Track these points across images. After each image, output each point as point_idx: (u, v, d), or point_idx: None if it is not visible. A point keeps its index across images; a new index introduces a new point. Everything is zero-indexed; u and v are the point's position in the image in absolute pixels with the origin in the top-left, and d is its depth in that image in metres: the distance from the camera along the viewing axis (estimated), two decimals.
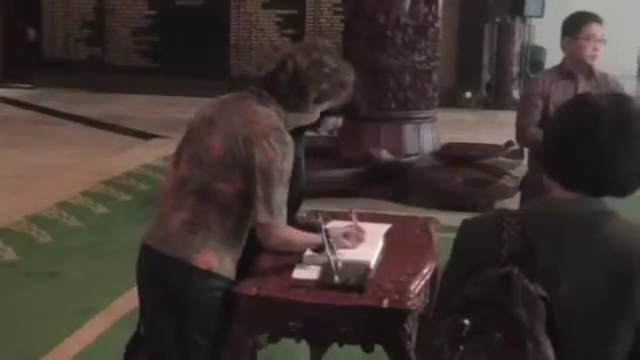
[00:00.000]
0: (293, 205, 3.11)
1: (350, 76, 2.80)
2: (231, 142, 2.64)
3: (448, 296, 1.82)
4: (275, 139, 2.62)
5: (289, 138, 2.66)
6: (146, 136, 10.38)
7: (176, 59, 13.57)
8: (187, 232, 2.68)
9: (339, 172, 7.42)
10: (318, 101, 2.75)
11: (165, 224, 2.72)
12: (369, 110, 3.68)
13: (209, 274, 2.67)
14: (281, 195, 2.64)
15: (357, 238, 2.98)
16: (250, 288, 2.68)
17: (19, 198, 7.33)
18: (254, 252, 2.86)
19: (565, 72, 4.39)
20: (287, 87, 2.71)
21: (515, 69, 13.48)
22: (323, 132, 3.26)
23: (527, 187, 4.63)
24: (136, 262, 2.82)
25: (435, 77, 7.85)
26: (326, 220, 2.97)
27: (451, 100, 12.56)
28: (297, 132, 2.95)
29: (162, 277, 2.71)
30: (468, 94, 13.30)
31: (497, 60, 13.43)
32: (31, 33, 14.80)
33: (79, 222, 6.69)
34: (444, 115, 9.01)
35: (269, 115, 2.68)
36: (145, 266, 2.79)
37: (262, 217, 2.64)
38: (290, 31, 13.46)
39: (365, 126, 7.62)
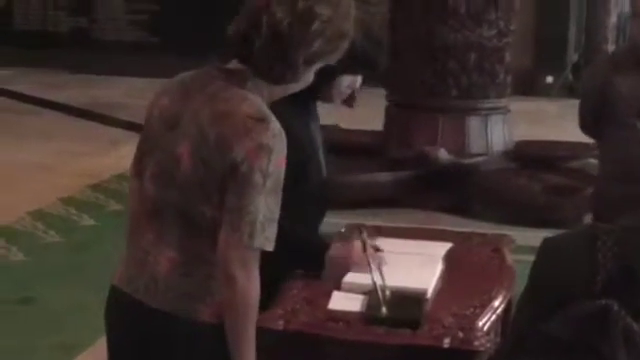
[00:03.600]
0: (314, 215, 3.12)
1: (350, 20, 2.55)
2: (201, 149, 2.46)
3: (523, 337, 1.82)
4: (259, 132, 2.41)
5: (278, 127, 2.45)
6: (142, 129, 10.45)
7: (180, 33, 13.64)
8: (181, 276, 2.53)
9: (385, 176, 7.38)
10: (310, 63, 2.52)
11: (148, 267, 2.57)
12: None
13: (220, 327, 2.49)
14: (265, 208, 2.41)
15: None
16: (276, 321, 2.70)
17: None
18: (279, 275, 2.88)
19: None
20: (265, 54, 2.46)
21: (610, 47, 13.40)
22: (337, 101, 3.08)
23: (601, 198, 4.50)
24: (104, 314, 2.71)
25: (508, 57, 7.84)
26: (371, 237, 2.98)
27: (528, 86, 12.50)
28: (299, 101, 2.85)
29: (152, 339, 2.58)
30: (550, 79, 13.23)
31: (587, 35, 13.35)
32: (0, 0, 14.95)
33: (59, 237, 6.75)
34: (519, 105, 8.99)
35: (245, 99, 2.47)
36: (121, 322, 2.66)
37: (226, 235, 2.42)
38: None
39: (418, 118, 7.64)
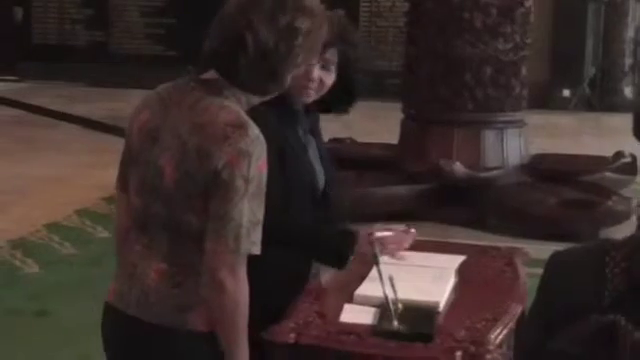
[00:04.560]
0: (311, 218, 3.10)
1: (325, 27, 2.62)
2: (184, 160, 2.48)
3: (530, 352, 1.82)
4: (237, 139, 2.44)
5: (257, 132, 2.47)
6: None
7: (197, 46, 13.67)
8: (170, 287, 2.55)
9: (401, 189, 7.42)
10: (291, 71, 2.57)
11: (137, 280, 2.59)
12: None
13: (212, 336, 2.53)
14: (249, 213, 2.44)
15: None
16: (287, 335, 2.68)
17: (0, 218, 7.44)
18: (288, 286, 2.88)
19: None
20: (253, 72, 2.51)
21: (627, 60, 13.38)
22: (312, 91, 2.97)
23: None
24: (101, 331, 2.73)
25: (524, 70, 7.83)
26: (382, 249, 2.98)
27: (544, 100, 12.49)
28: (284, 108, 2.89)
29: (146, 353, 2.59)
30: (566, 92, 13.22)
31: (604, 49, 13.33)
32: (18, 13, 15.03)
33: (74, 249, 6.78)
34: (535, 118, 8.98)
35: (223, 107, 2.50)
36: (117, 339, 2.67)
37: (212, 242, 2.44)
38: (341, 12, 13.48)
39: (434, 131, 7.63)
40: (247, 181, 2.44)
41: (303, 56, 2.55)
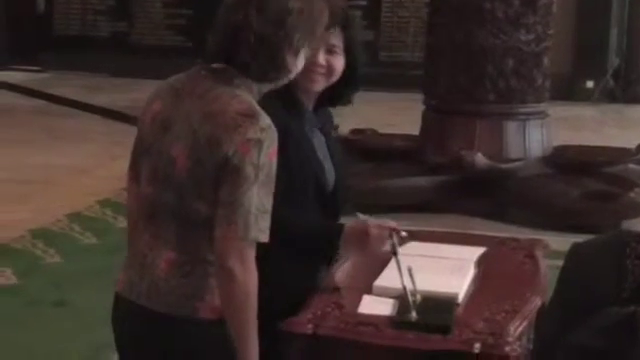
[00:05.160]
0: (316, 214, 3.08)
1: (323, 7, 2.67)
2: (195, 149, 2.51)
3: (550, 344, 1.81)
4: (247, 127, 2.47)
5: (268, 121, 2.51)
6: None
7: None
8: (180, 277, 2.56)
9: (421, 181, 7.41)
10: (295, 53, 2.60)
11: (147, 270, 2.61)
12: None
13: (221, 323, 2.54)
14: (258, 200, 2.46)
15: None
16: (304, 325, 2.69)
17: (21, 208, 7.48)
18: (304, 278, 2.88)
19: None
20: (256, 63, 2.56)
21: None
22: (319, 77, 2.94)
23: None
24: (111, 321, 2.73)
25: (546, 61, 7.80)
26: (402, 241, 2.97)
27: (567, 91, 12.44)
28: (292, 105, 2.89)
29: (156, 342, 2.60)
30: (590, 84, 13.16)
31: (628, 40, 13.26)
32: (40, 5, 15.09)
33: (95, 239, 6.80)
34: (558, 110, 8.94)
35: (234, 96, 2.54)
36: (127, 328, 2.68)
37: (221, 229, 2.46)
38: (361, 1, 13.47)
39: (455, 123, 7.61)
40: (257, 168, 2.45)
41: (300, 37, 2.57)
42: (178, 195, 2.55)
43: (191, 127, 2.53)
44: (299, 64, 2.64)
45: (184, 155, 2.53)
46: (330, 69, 2.92)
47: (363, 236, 2.90)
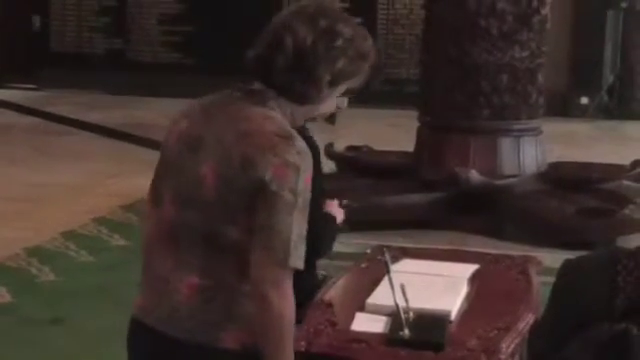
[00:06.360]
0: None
1: (369, 41, 2.58)
2: (226, 169, 2.44)
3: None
4: (284, 149, 2.41)
5: (303, 145, 2.46)
6: None
7: (215, 54, 13.72)
8: (202, 302, 2.49)
9: (416, 197, 7.41)
10: (334, 83, 2.52)
11: (168, 295, 2.54)
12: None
13: (245, 354, 2.48)
14: (297, 227, 2.41)
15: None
16: (297, 343, 2.68)
17: (16, 226, 7.46)
18: (301, 297, 2.87)
19: None
20: (289, 72, 2.48)
21: None
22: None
23: None
24: (127, 346, 2.66)
25: (541, 78, 7.81)
26: (395, 258, 2.98)
27: (562, 107, 12.46)
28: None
29: None
30: (584, 100, 13.17)
31: (623, 56, 13.28)
32: (36, 21, 15.10)
33: (90, 257, 6.78)
34: (552, 126, 8.94)
35: (268, 117, 2.48)
36: (146, 355, 2.61)
37: (259, 255, 2.39)
38: (357, 19, 13.49)
39: (450, 139, 7.61)
40: (296, 194, 2.40)
41: (344, 64, 2.51)
42: (204, 216, 2.48)
43: (223, 146, 2.46)
44: (333, 99, 2.57)
45: (214, 174, 2.46)
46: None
47: None
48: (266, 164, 2.40)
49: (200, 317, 2.49)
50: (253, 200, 2.41)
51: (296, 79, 2.49)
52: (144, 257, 2.65)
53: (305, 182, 2.42)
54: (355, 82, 2.58)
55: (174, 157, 2.57)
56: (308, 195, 2.44)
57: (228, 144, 2.45)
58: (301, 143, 2.46)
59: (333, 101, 2.59)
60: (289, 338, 2.45)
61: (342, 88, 2.57)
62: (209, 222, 2.47)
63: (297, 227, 2.40)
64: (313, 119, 2.68)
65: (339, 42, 2.49)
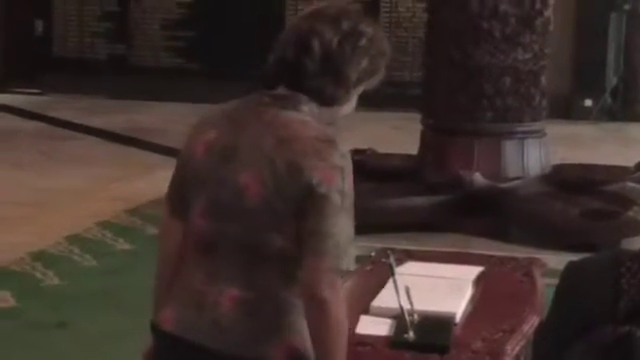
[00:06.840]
0: None
1: (386, 40, 2.62)
2: (271, 175, 2.42)
3: None
4: (328, 153, 2.42)
5: (344, 148, 2.47)
6: (178, 155, 10.49)
7: (218, 59, 13.74)
8: (245, 315, 2.45)
9: (420, 200, 7.41)
10: (357, 83, 2.55)
11: (207, 309, 2.49)
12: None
13: None
14: (346, 229, 2.41)
15: None
16: None
17: (21, 230, 7.47)
18: None
19: None
20: (319, 76, 2.49)
21: None
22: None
23: None
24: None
25: (544, 80, 7.81)
26: (399, 261, 2.99)
27: (565, 110, 12.45)
28: None
29: None
30: (588, 102, 13.17)
31: (626, 58, 13.28)
32: (38, 26, 15.12)
33: (94, 261, 6.79)
34: (556, 128, 8.95)
35: (305, 123, 2.48)
36: None
37: (312, 259, 2.38)
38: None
39: (453, 142, 7.62)
40: (343, 196, 2.41)
41: (367, 64, 2.54)
42: (246, 226, 2.46)
43: (264, 154, 2.44)
44: (354, 99, 2.59)
45: (257, 183, 2.44)
46: None
47: None
48: (312, 169, 2.40)
49: (243, 330, 2.46)
50: (300, 206, 2.41)
51: (327, 82, 2.51)
52: (165, 270, 2.63)
53: (349, 184, 2.44)
54: (374, 81, 2.61)
55: (207, 168, 2.53)
56: (352, 197, 2.45)
57: (268, 152, 2.44)
58: (342, 146, 2.48)
59: (354, 101, 2.61)
60: (345, 340, 2.44)
61: (361, 88, 2.60)
62: (252, 232, 2.46)
63: (346, 229, 2.41)
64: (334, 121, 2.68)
65: (363, 42, 2.53)
